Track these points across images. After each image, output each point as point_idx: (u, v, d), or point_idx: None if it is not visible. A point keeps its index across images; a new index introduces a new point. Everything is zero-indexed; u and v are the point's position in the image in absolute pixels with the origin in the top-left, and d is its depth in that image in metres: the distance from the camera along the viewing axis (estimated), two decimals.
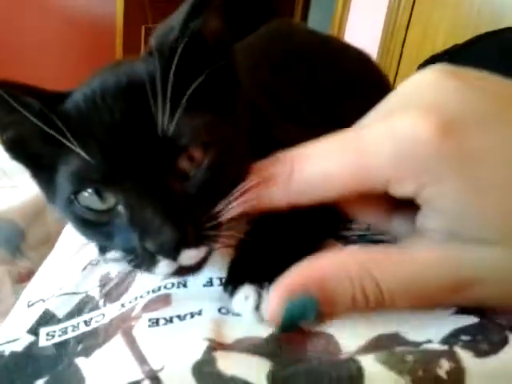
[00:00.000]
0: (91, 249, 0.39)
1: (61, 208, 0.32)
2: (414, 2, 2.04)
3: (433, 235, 0.27)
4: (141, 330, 0.29)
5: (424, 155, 0.25)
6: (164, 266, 0.29)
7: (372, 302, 0.25)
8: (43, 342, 0.32)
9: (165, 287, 0.32)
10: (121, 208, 0.29)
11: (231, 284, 0.30)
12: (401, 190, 0.27)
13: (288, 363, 0.25)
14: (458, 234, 0.25)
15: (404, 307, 0.26)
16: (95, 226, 0.31)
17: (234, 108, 0.33)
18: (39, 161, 0.32)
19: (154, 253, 0.28)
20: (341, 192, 0.28)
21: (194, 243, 0.28)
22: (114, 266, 0.35)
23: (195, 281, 0.32)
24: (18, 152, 0.33)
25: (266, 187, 0.30)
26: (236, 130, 0.32)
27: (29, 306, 0.36)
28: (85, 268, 0.37)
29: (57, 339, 0.32)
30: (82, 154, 0.28)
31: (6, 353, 0.32)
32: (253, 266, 0.30)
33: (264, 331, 0.28)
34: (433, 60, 0.92)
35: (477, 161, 0.24)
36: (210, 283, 0.32)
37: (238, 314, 0.29)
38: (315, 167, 0.28)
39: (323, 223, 0.34)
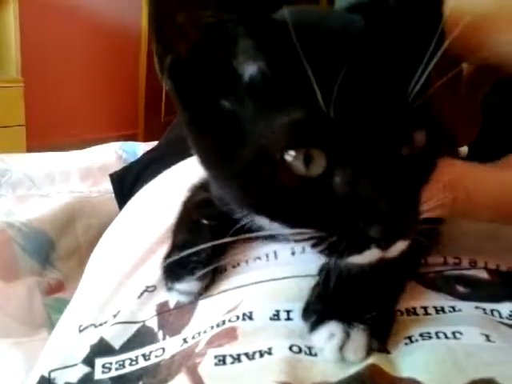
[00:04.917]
0: (145, 273, 0.37)
1: (239, 165, 0.26)
2: None
3: None
4: (207, 368, 0.27)
5: None
6: (368, 255, 0.24)
7: (459, 204, 0.29)
8: (99, 374, 0.30)
9: (229, 321, 0.30)
10: (338, 180, 0.24)
11: (315, 315, 0.28)
12: None
13: None
14: None
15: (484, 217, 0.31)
16: (287, 194, 0.25)
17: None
18: (209, 98, 0.26)
19: (373, 241, 0.24)
20: None
21: (409, 235, 0.25)
22: (174, 295, 0.33)
23: (261, 313, 0.30)
24: (185, 83, 0.27)
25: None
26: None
27: (80, 331, 0.34)
28: (141, 295, 0.35)
29: (114, 373, 0.30)
30: (320, 100, 0.22)
31: (59, 383, 0.31)
32: (341, 301, 0.28)
33: (343, 373, 0.26)
34: None
35: None
36: (276, 316, 0.30)
37: (311, 354, 0.27)
38: None
39: (405, 262, 0.31)
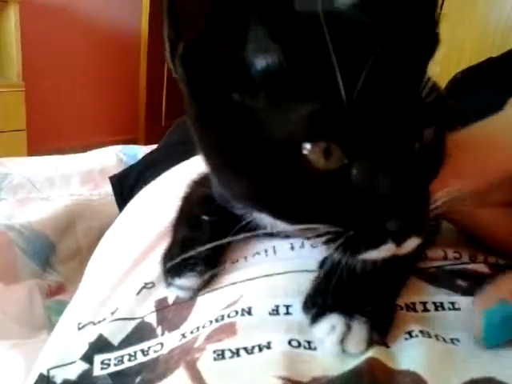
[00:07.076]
0: (144, 270, 0.37)
1: (251, 159, 0.25)
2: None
3: None
4: (206, 363, 0.27)
5: None
6: (383, 250, 0.24)
7: None
8: (98, 370, 0.30)
9: (228, 316, 0.30)
10: (356, 174, 0.24)
11: (316, 308, 0.28)
12: None
13: None
14: None
15: None
16: (303, 188, 0.24)
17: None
18: (220, 90, 0.25)
19: (389, 234, 0.24)
20: None
21: (423, 232, 0.25)
22: (174, 290, 0.33)
23: (260, 308, 0.30)
24: (196, 72, 0.26)
25: None
26: None
27: (79, 329, 0.34)
28: (139, 291, 0.35)
29: (112, 368, 0.30)
30: (342, 89, 0.22)
31: (58, 380, 0.31)
32: (342, 294, 0.28)
33: (342, 367, 0.26)
34: (471, 71, 0.89)
35: None
36: (276, 311, 0.30)
37: (311, 348, 0.27)
38: None
39: (408, 256, 0.31)
